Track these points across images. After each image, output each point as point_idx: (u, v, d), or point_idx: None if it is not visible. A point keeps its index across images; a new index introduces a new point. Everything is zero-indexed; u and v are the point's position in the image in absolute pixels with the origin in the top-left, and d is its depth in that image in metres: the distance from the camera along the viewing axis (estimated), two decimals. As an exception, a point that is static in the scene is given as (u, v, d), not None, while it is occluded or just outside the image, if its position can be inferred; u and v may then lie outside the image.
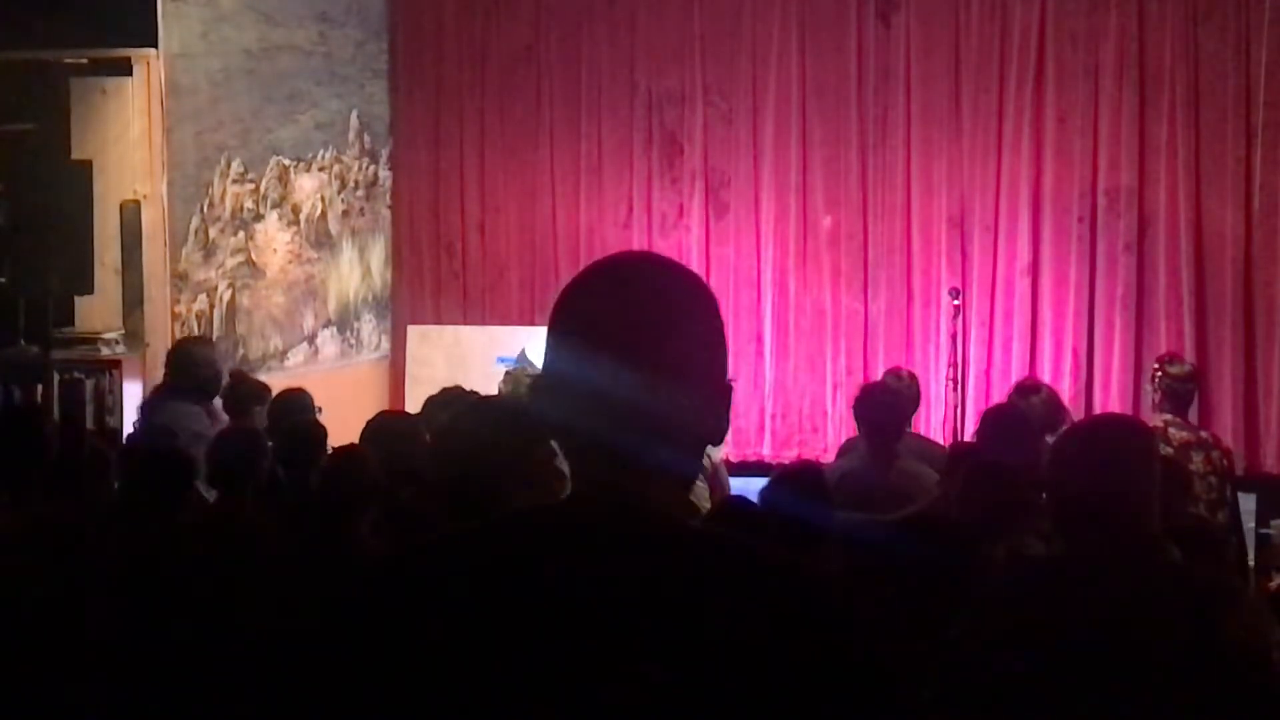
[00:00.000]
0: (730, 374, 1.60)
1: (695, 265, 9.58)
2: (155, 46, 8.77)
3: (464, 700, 1.45)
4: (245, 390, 7.01)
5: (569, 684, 1.44)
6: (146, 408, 6.91)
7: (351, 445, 4.99)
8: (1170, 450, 6.14)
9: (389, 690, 1.47)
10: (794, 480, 4.73)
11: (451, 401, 5.44)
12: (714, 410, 1.56)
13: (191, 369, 6.89)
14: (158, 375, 8.35)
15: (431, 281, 10.19)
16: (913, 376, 7.24)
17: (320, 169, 9.66)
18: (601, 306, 1.52)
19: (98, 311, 8.60)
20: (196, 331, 8.65)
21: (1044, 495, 3.28)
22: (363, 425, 6.19)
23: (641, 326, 1.50)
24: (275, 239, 9.40)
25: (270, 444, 5.54)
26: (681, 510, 1.56)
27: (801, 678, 1.45)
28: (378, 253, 10.13)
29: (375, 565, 1.60)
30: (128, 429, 7.96)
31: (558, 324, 1.55)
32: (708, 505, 5.92)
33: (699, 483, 6.53)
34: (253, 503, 4.94)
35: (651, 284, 1.54)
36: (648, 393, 1.50)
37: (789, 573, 1.53)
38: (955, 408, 8.27)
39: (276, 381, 7.99)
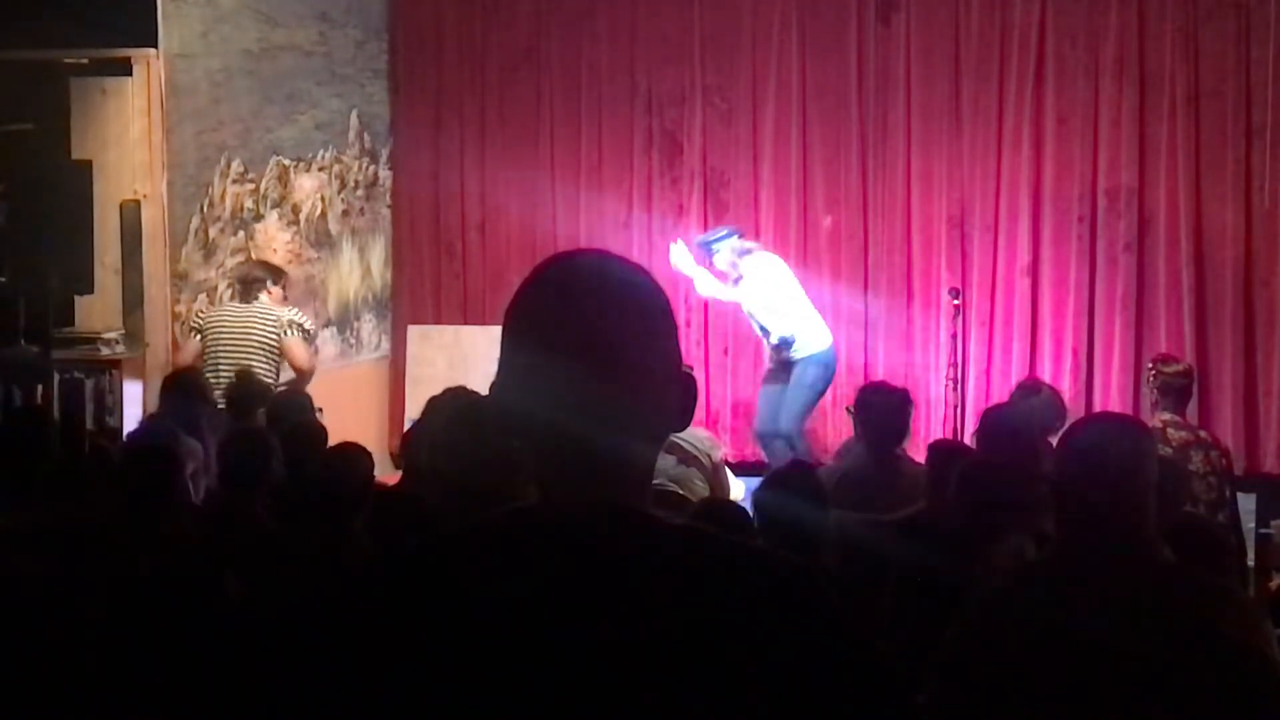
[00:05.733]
0: (687, 362, 1.62)
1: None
2: (155, 46, 8.77)
3: (455, 701, 1.46)
4: (250, 391, 7.02)
5: (558, 683, 1.44)
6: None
7: (346, 445, 4.99)
8: (1169, 450, 6.14)
9: (381, 692, 1.48)
10: (787, 481, 4.73)
11: (450, 403, 5.43)
12: (673, 399, 1.58)
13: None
14: (158, 375, 8.36)
15: (431, 281, 10.19)
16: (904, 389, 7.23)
17: (320, 169, 9.66)
18: (553, 305, 1.54)
19: (98, 311, 8.60)
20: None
21: (1049, 494, 3.28)
22: (362, 425, 6.20)
23: (594, 322, 1.52)
24: (275, 239, 9.40)
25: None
26: (649, 500, 1.57)
27: (790, 671, 1.46)
28: (378, 253, 10.14)
29: (364, 568, 1.61)
30: (128, 429, 7.97)
31: (512, 325, 1.57)
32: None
33: (698, 483, 6.54)
34: (260, 502, 4.96)
35: (600, 280, 1.56)
36: (606, 388, 1.52)
37: (775, 566, 1.54)
38: (955, 408, 8.27)
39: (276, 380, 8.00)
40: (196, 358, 7.95)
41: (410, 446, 5.42)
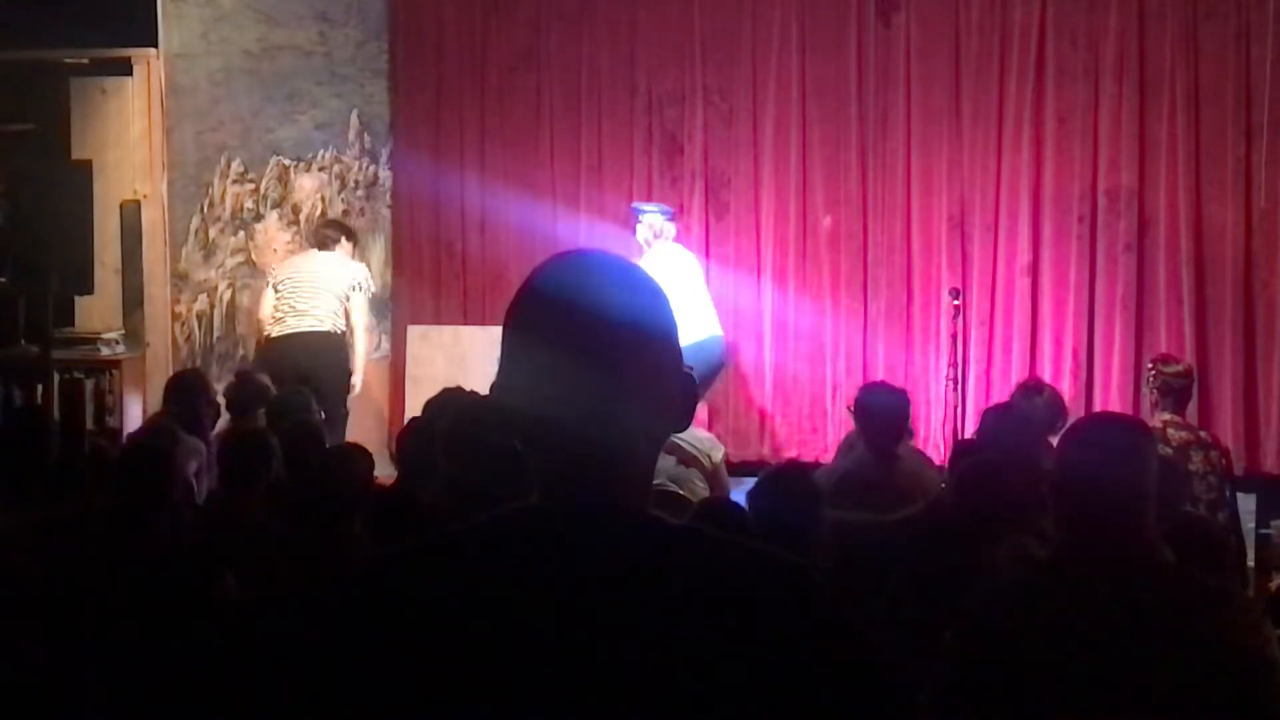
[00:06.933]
0: (688, 364, 1.62)
1: (695, 265, 9.59)
2: (155, 46, 8.78)
3: (454, 702, 1.45)
4: (251, 391, 7.02)
5: (558, 685, 1.44)
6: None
7: (346, 444, 5.00)
8: (1169, 450, 6.14)
9: (379, 692, 1.48)
10: (781, 481, 4.73)
11: (450, 402, 5.43)
12: (673, 400, 1.58)
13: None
14: (158, 375, 8.37)
15: (431, 281, 10.17)
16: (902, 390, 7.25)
17: (320, 169, 9.67)
18: (554, 306, 1.54)
19: (98, 311, 8.62)
20: (197, 332, 8.66)
21: (1048, 494, 3.28)
22: (362, 425, 6.19)
23: (594, 323, 1.52)
24: (275, 239, 9.41)
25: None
26: (649, 500, 1.58)
27: (791, 672, 1.46)
28: (378, 253, 10.13)
29: (363, 568, 1.60)
30: (128, 429, 7.98)
31: (513, 325, 1.57)
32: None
33: (699, 483, 6.54)
34: (260, 501, 4.96)
35: (600, 280, 1.56)
36: (606, 389, 1.52)
37: (775, 567, 1.54)
38: (955, 408, 8.26)
39: (276, 381, 8.00)
40: (273, 310, 8.38)
41: (405, 445, 5.41)
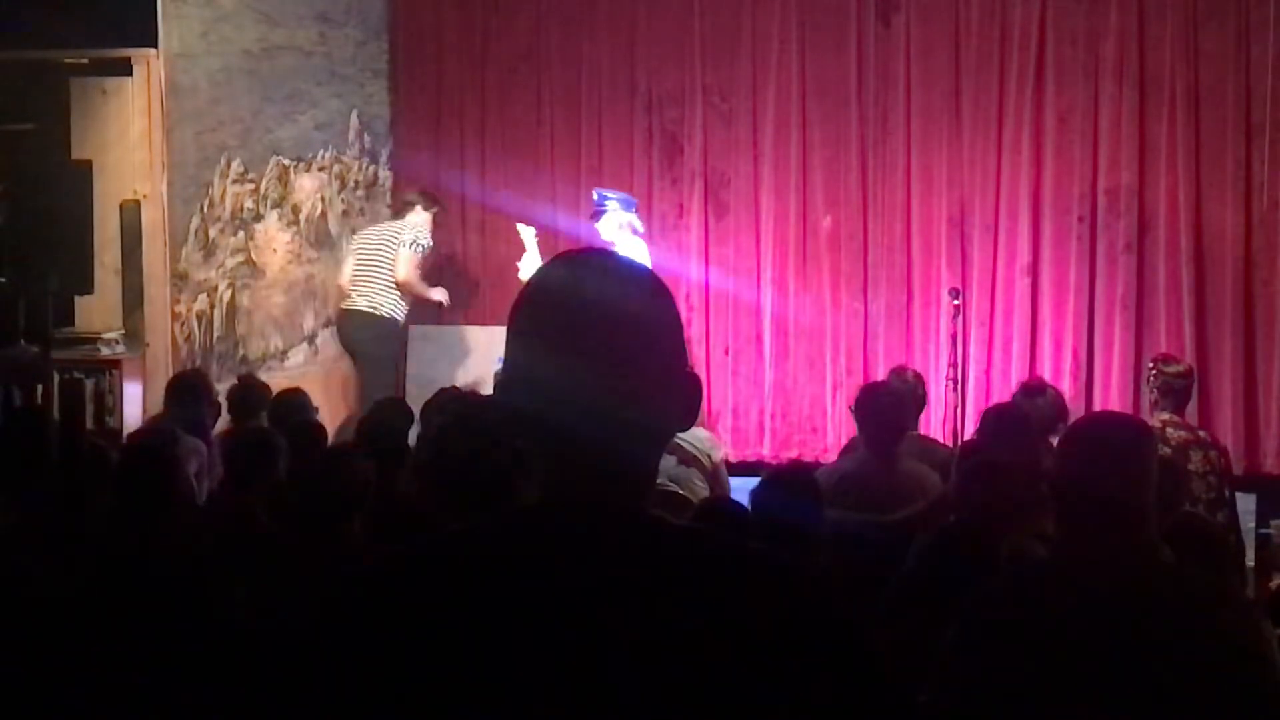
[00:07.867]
0: (692, 364, 1.62)
1: (695, 265, 9.61)
2: (155, 46, 8.77)
3: (455, 703, 1.45)
4: (254, 394, 7.03)
5: (560, 685, 1.44)
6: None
7: (342, 445, 5.00)
8: (1169, 450, 6.15)
9: (379, 694, 1.48)
10: (783, 481, 4.74)
11: (448, 403, 5.43)
12: (679, 400, 1.57)
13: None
14: (158, 375, 8.37)
15: (432, 281, 10.17)
16: (918, 376, 7.24)
17: (320, 169, 9.66)
18: (558, 305, 1.54)
19: (98, 311, 8.61)
20: (197, 332, 8.67)
21: (1048, 494, 3.28)
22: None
23: (598, 323, 1.52)
24: (275, 239, 9.41)
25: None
26: (653, 500, 1.58)
27: (792, 673, 1.46)
28: (378, 253, 10.13)
29: (362, 570, 1.60)
30: (128, 429, 7.97)
31: (517, 325, 1.57)
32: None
33: (699, 483, 6.54)
34: (261, 502, 4.96)
35: (604, 280, 1.56)
36: (611, 389, 1.52)
37: (775, 568, 1.54)
38: (955, 408, 8.27)
39: (277, 381, 8.01)
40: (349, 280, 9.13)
41: (365, 434, 5.38)
